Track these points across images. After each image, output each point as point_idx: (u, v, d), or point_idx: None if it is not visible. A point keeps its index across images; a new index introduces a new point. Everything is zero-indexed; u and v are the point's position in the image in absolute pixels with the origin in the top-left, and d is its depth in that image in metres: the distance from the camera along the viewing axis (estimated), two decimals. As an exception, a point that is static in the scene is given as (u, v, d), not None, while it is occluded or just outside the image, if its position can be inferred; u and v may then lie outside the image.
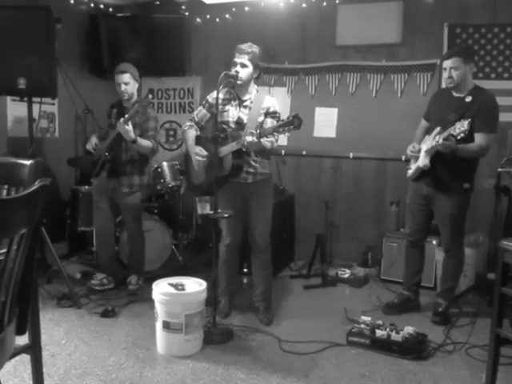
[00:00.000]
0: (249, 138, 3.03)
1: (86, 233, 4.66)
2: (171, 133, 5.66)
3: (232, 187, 3.31)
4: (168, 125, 5.63)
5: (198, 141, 3.42)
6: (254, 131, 3.07)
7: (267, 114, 3.31)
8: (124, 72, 3.84)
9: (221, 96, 3.28)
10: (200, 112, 3.46)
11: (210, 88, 5.31)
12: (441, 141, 3.13)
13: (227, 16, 5.10)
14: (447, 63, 3.30)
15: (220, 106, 3.28)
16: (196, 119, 3.47)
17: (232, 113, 3.34)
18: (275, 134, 3.11)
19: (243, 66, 3.24)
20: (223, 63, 4.97)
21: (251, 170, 3.34)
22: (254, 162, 3.35)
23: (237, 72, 3.22)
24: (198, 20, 5.26)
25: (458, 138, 3.07)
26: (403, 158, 4.46)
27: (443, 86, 4.28)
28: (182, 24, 5.26)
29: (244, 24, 5.01)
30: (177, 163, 4.73)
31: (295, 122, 2.91)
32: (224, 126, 3.33)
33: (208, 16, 5.20)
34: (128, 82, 3.85)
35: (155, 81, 5.56)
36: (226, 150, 3.21)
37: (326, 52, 4.91)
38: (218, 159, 3.18)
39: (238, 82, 3.26)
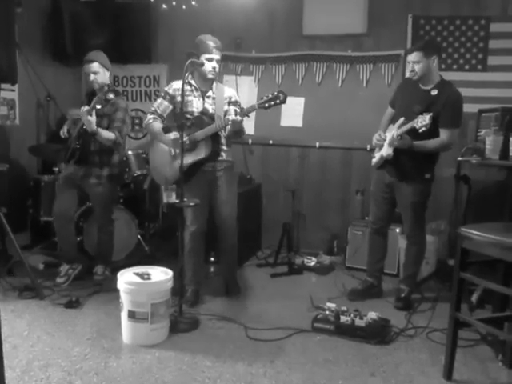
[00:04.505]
0: (233, 117, 3.18)
1: (49, 223, 4.54)
2: (136, 121, 5.57)
3: (200, 175, 3.41)
4: (133, 113, 5.51)
5: (166, 131, 3.47)
6: (232, 112, 3.30)
7: (230, 103, 3.47)
8: (92, 61, 3.72)
9: (179, 87, 3.27)
10: (161, 104, 3.48)
11: (176, 76, 5.26)
12: (399, 132, 3.22)
13: (193, 3, 5.03)
14: (409, 57, 3.40)
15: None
16: (158, 111, 3.49)
17: (196, 103, 3.42)
18: (262, 108, 3.21)
19: (218, 61, 3.38)
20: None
21: (219, 158, 3.48)
22: (224, 151, 3.49)
23: (214, 68, 3.34)
24: (164, 7, 5.16)
25: (420, 131, 3.15)
26: (368, 147, 4.53)
27: (407, 75, 4.37)
28: (148, 10, 5.17)
29: (211, 12, 4.96)
30: (142, 152, 4.67)
31: (281, 97, 3.09)
32: (189, 116, 3.39)
33: (174, 3, 5.12)
34: (97, 72, 3.74)
35: (120, 68, 5.45)
36: (203, 133, 3.31)
37: (292, 41, 4.92)
38: (192, 145, 3.31)
39: (210, 77, 3.36)
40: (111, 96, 3.65)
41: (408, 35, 4.54)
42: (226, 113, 3.39)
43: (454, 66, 4.42)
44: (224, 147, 3.49)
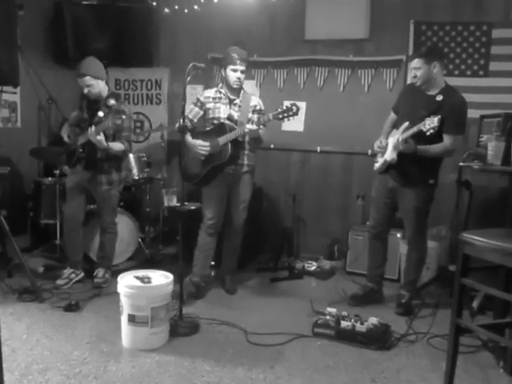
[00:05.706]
0: (249, 126, 3.43)
1: (49, 226, 4.55)
2: (138, 124, 5.58)
3: (221, 177, 3.64)
4: (135, 116, 5.53)
5: (194, 135, 3.69)
6: (256, 120, 3.57)
7: (254, 111, 3.70)
8: (83, 75, 3.69)
9: (211, 95, 3.68)
10: (192, 110, 3.71)
11: (177, 79, 5.30)
12: (404, 137, 3.21)
13: (195, 7, 5.04)
14: (411, 64, 3.45)
15: (212, 104, 3.66)
16: (190, 116, 3.69)
17: (223, 110, 3.65)
18: (276, 120, 3.43)
19: (243, 72, 3.59)
20: (192, 54, 4.94)
21: (241, 162, 3.70)
22: (245, 155, 3.71)
23: (238, 78, 3.57)
24: (166, 10, 5.17)
25: (428, 134, 3.14)
26: (369, 152, 4.53)
27: (409, 81, 4.37)
28: (150, 14, 5.18)
29: (213, 16, 4.97)
30: (143, 155, 4.68)
31: (294, 109, 3.33)
32: (215, 122, 3.64)
33: (176, 6, 5.13)
34: (90, 85, 3.72)
35: (122, 71, 5.47)
36: (225, 139, 3.51)
37: (294, 46, 4.93)
38: (217, 148, 3.54)
39: (235, 86, 3.60)
40: (112, 102, 3.70)
41: (410, 41, 4.55)
42: (249, 120, 3.60)
43: (456, 72, 4.42)
44: (246, 152, 3.71)
